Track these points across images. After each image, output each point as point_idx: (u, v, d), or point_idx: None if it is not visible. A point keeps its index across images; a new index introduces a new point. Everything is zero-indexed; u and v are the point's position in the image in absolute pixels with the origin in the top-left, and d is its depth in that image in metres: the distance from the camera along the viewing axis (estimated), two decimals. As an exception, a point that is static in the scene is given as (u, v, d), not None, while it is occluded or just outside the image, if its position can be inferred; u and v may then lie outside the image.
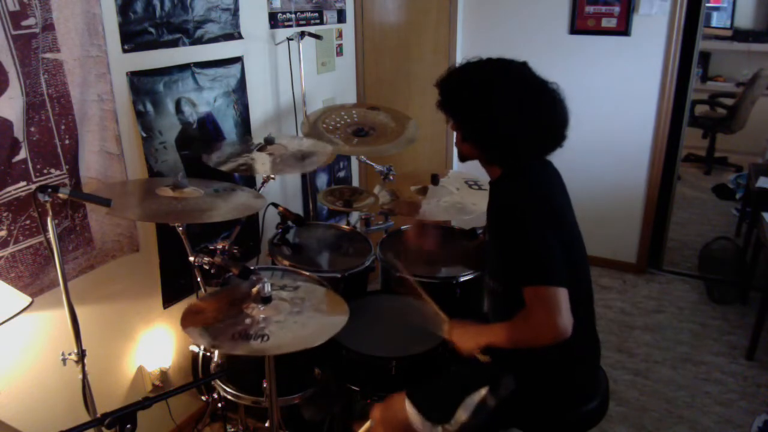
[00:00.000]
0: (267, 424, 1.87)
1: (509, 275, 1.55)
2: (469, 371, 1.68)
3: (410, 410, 1.62)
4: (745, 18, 6.09)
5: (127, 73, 1.99)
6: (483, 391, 1.57)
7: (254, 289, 1.71)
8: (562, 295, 1.38)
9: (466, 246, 2.48)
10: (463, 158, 1.68)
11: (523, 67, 1.59)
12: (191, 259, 1.90)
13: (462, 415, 1.58)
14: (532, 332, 1.42)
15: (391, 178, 2.61)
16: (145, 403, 1.26)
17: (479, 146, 1.59)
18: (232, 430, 2.24)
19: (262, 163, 2.16)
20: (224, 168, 2.09)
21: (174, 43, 2.14)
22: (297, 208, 3.04)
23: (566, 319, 1.37)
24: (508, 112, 1.51)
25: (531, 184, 1.54)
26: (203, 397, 2.31)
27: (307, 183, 3.02)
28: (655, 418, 2.55)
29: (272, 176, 2.27)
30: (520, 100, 1.51)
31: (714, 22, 6.12)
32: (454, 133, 1.66)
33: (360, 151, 2.58)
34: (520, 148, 1.55)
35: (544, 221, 1.46)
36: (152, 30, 2.05)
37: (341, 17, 3.12)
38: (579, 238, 1.62)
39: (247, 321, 1.63)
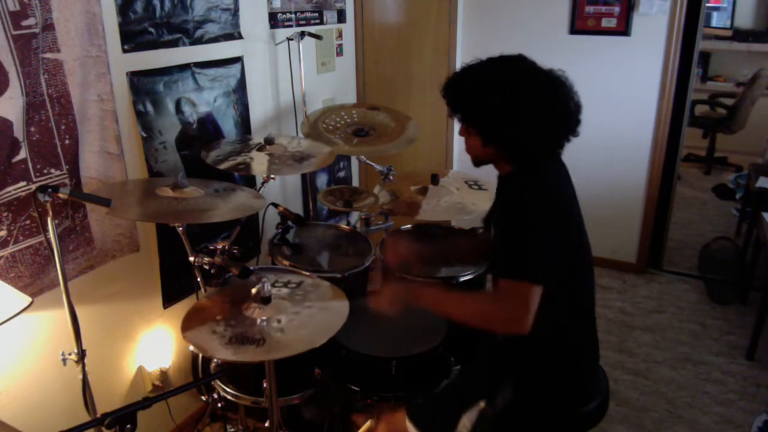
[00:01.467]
0: (267, 424, 1.87)
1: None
2: (466, 384, 1.68)
3: (410, 429, 1.62)
4: (745, 18, 6.09)
5: (127, 73, 1.99)
6: (481, 404, 1.57)
7: (254, 290, 1.71)
8: (537, 293, 1.38)
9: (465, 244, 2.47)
10: (479, 163, 1.64)
11: (526, 59, 1.56)
12: (191, 259, 1.90)
13: (463, 429, 1.57)
14: (497, 316, 1.42)
15: (391, 178, 2.61)
16: (145, 403, 1.26)
17: (504, 148, 1.54)
18: (232, 430, 2.24)
19: (259, 163, 2.16)
20: (221, 166, 2.09)
21: (174, 43, 2.14)
22: (297, 208, 3.04)
23: (531, 317, 1.37)
24: (531, 107, 1.48)
25: (543, 181, 1.52)
26: (203, 397, 2.31)
27: (307, 183, 3.02)
28: (655, 418, 2.55)
29: (272, 176, 2.27)
30: (539, 92, 1.49)
31: (714, 22, 6.12)
32: (463, 139, 1.61)
33: (360, 151, 2.58)
34: (546, 140, 1.52)
35: (547, 218, 1.45)
36: (152, 30, 2.05)
37: (341, 17, 3.12)
38: (585, 238, 1.61)
39: (248, 323, 1.63)
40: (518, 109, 1.48)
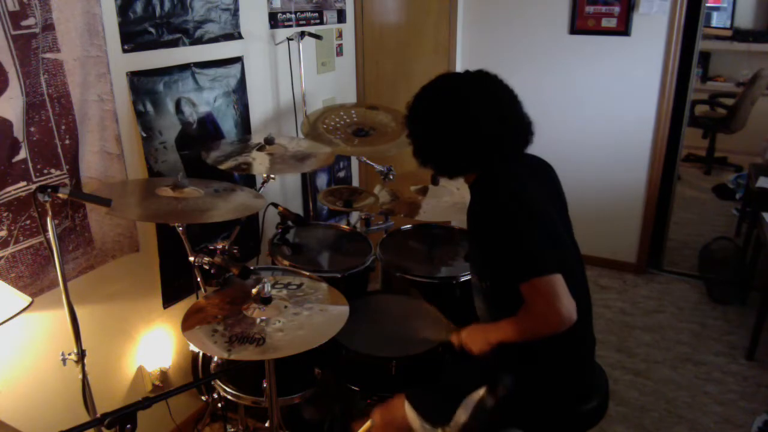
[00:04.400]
0: (267, 424, 1.87)
1: (496, 273, 1.56)
2: (467, 371, 1.68)
3: (409, 413, 1.63)
4: (745, 18, 6.09)
5: (127, 73, 1.99)
6: (481, 392, 1.57)
7: (254, 290, 1.70)
8: (557, 281, 1.39)
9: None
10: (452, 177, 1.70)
11: (452, 80, 1.62)
12: (191, 259, 1.90)
13: (461, 416, 1.57)
14: (538, 323, 1.43)
15: (391, 178, 2.61)
16: (145, 403, 1.26)
17: (448, 170, 1.62)
18: (232, 430, 2.24)
19: (260, 163, 2.16)
20: (223, 166, 2.09)
21: (174, 43, 2.14)
22: (297, 208, 3.04)
23: (567, 304, 1.38)
24: (447, 132, 1.54)
25: (501, 183, 1.54)
26: (203, 397, 2.31)
27: (307, 183, 3.02)
28: (655, 418, 2.56)
29: (272, 176, 2.27)
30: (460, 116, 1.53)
31: (714, 22, 6.11)
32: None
33: (360, 151, 2.58)
34: (483, 153, 1.55)
35: (523, 214, 1.46)
36: (152, 30, 2.05)
37: (341, 17, 3.12)
38: (566, 233, 1.61)
39: (248, 323, 1.63)
40: (437, 137, 1.57)
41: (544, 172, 1.67)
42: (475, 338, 1.62)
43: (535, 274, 1.40)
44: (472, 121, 1.52)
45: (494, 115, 1.53)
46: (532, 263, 1.41)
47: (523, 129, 1.58)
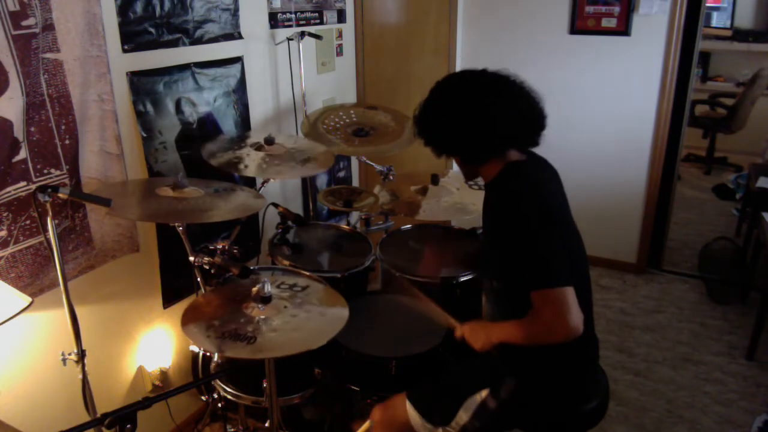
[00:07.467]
0: (267, 424, 1.87)
1: (511, 275, 1.55)
2: (470, 372, 1.68)
3: (411, 412, 1.63)
4: (745, 18, 6.09)
5: (127, 73, 1.99)
6: (484, 393, 1.58)
7: (254, 289, 1.70)
8: (569, 294, 1.39)
9: (467, 248, 2.48)
10: (469, 177, 1.71)
11: (472, 74, 1.60)
12: (191, 259, 1.90)
13: (463, 416, 1.58)
14: (543, 332, 1.43)
15: (391, 178, 2.61)
16: (145, 403, 1.26)
17: (468, 160, 1.62)
18: (232, 430, 2.24)
19: (253, 160, 2.16)
20: (214, 161, 2.10)
21: (174, 43, 2.14)
22: (297, 208, 3.04)
23: (576, 317, 1.39)
24: (471, 119, 1.53)
25: (528, 185, 1.54)
26: (203, 397, 2.31)
27: (307, 183, 3.02)
28: (655, 418, 2.56)
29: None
30: (485, 104, 1.53)
31: (714, 22, 6.11)
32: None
33: (360, 151, 2.58)
34: (500, 143, 1.56)
35: (544, 222, 1.46)
36: (152, 30, 2.05)
37: (341, 17, 3.12)
38: (577, 236, 1.62)
39: (245, 321, 1.63)
40: (462, 124, 1.54)
41: (556, 177, 1.67)
42: (478, 334, 1.61)
43: (548, 284, 1.40)
44: (490, 121, 1.52)
45: (511, 115, 1.54)
46: (547, 273, 1.41)
47: (536, 124, 1.59)
